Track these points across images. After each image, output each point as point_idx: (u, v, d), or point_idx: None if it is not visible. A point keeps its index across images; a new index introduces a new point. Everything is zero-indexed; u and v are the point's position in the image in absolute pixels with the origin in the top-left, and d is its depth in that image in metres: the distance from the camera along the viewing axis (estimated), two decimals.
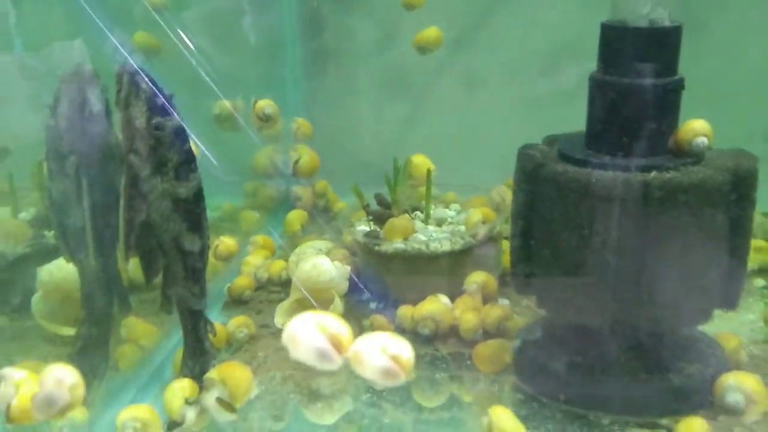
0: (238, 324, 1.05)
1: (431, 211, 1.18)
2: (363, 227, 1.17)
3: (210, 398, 0.88)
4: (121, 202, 0.84)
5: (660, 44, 0.82)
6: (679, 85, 0.83)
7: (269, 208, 1.56)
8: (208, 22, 1.34)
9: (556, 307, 0.90)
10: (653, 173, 0.81)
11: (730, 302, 0.87)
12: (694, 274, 0.84)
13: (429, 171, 1.17)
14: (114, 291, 0.92)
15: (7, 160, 1.16)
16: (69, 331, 1.02)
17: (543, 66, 1.52)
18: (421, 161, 1.26)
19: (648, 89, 0.82)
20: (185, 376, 0.91)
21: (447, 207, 1.25)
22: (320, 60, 1.66)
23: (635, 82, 0.82)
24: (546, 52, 1.51)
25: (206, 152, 1.19)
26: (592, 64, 0.88)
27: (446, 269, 1.10)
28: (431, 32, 1.37)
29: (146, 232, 0.85)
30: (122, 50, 1.09)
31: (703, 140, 0.83)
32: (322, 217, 1.52)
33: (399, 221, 1.11)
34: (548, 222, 0.86)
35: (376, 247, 1.10)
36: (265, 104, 1.26)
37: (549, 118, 1.07)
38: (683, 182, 0.80)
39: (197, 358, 0.92)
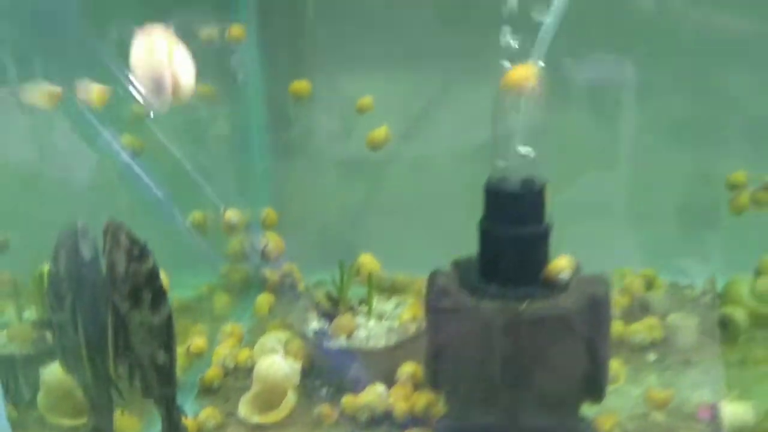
0: (207, 415, 1.26)
1: (373, 307, 1.40)
2: (315, 324, 1.39)
3: None
4: (109, 332, 1.06)
5: (528, 202, 1.05)
6: (546, 232, 1.06)
7: (240, 289, 1.78)
8: (185, 124, 1.57)
9: (457, 407, 1.12)
10: (526, 302, 1.03)
11: (596, 397, 1.09)
12: (564, 379, 1.06)
13: (370, 274, 1.39)
14: (108, 393, 1.13)
15: (6, 253, 1.33)
16: (70, 422, 1.23)
17: (484, 155, 1.73)
18: (367, 261, 1.48)
19: (521, 236, 1.05)
20: None
21: (389, 297, 1.46)
22: (286, 153, 1.88)
23: (510, 231, 1.05)
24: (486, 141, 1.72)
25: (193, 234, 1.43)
26: None
27: (383, 361, 1.31)
28: (380, 132, 1.58)
29: (128, 352, 1.07)
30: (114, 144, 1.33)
31: (566, 274, 1.05)
32: (288, 295, 1.73)
33: (343, 320, 1.33)
34: (449, 339, 1.08)
35: (324, 344, 1.32)
36: (232, 214, 1.48)
37: None
38: (549, 310, 1.02)
39: None
